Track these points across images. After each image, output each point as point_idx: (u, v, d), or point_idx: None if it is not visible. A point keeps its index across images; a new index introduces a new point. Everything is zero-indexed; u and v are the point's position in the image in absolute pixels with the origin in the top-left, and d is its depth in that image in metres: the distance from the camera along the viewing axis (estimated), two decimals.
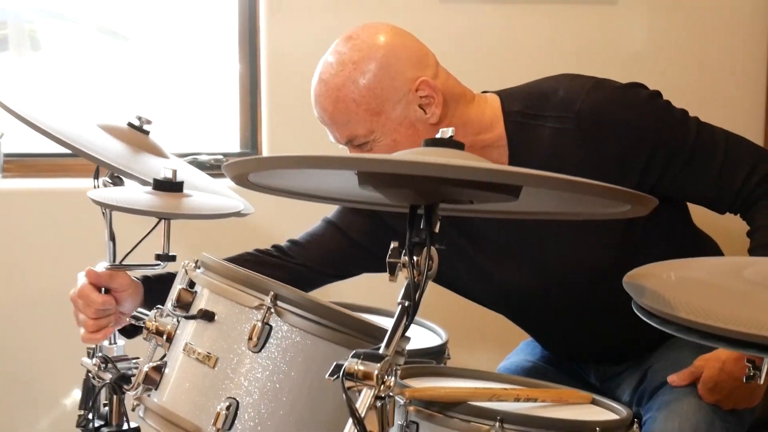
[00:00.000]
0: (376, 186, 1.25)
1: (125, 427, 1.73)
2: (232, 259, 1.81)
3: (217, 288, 1.51)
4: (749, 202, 1.76)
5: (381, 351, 1.21)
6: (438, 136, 1.26)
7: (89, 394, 1.73)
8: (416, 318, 1.90)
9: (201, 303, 1.52)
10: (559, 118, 1.77)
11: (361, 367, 1.20)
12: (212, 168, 2.74)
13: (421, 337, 1.94)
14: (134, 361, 1.71)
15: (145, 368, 1.53)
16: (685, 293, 1.26)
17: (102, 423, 1.71)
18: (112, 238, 1.99)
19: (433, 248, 1.23)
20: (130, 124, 2.05)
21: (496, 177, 1.17)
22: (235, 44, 2.88)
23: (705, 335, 1.17)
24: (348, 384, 1.19)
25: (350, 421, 1.17)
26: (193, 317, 1.50)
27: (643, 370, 1.89)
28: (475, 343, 2.60)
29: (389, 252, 1.25)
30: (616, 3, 2.85)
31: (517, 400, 1.71)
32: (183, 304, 1.54)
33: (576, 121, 1.75)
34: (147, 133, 2.05)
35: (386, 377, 1.19)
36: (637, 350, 1.92)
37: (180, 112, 2.98)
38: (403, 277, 1.25)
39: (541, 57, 2.87)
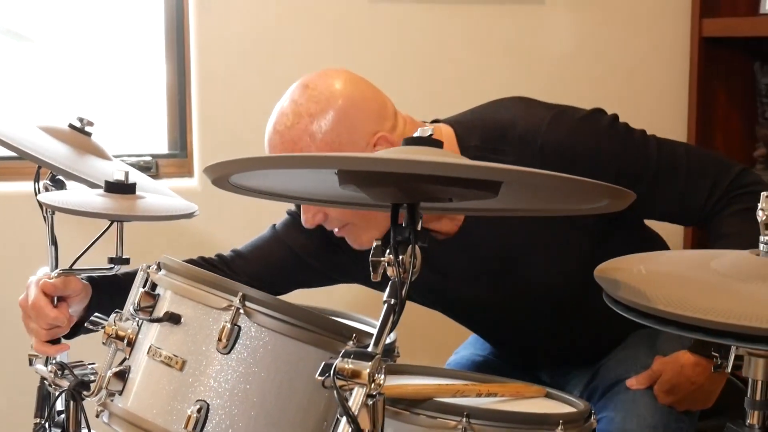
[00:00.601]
0: (359, 185, 1.25)
1: None
2: None
3: (182, 290, 1.49)
4: (712, 215, 1.78)
5: (370, 349, 1.21)
6: (417, 134, 1.27)
7: (45, 401, 1.69)
8: (363, 317, 1.93)
9: (165, 306, 1.50)
10: (519, 155, 1.73)
11: (352, 366, 1.19)
12: (141, 170, 2.70)
13: None
14: (91, 366, 1.67)
15: (108, 373, 1.50)
16: (658, 286, 1.29)
17: (59, 431, 1.67)
18: (54, 242, 1.94)
19: (416, 246, 1.24)
20: (72, 126, 2.01)
21: (477, 173, 1.18)
22: (162, 43, 2.83)
23: (683, 326, 1.21)
24: (339, 383, 1.18)
25: (343, 420, 1.17)
26: (158, 320, 1.48)
27: (595, 367, 1.93)
28: (421, 340, 2.61)
29: (372, 251, 1.25)
30: (543, 3, 2.90)
31: (479, 395, 1.73)
32: (145, 308, 1.51)
33: (539, 156, 1.72)
34: (89, 134, 2.01)
35: (376, 375, 1.19)
36: (591, 354, 1.95)
37: (104, 114, 2.92)
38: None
39: (470, 56, 2.90)
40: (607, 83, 2.94)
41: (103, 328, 1.55)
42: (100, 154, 2.01)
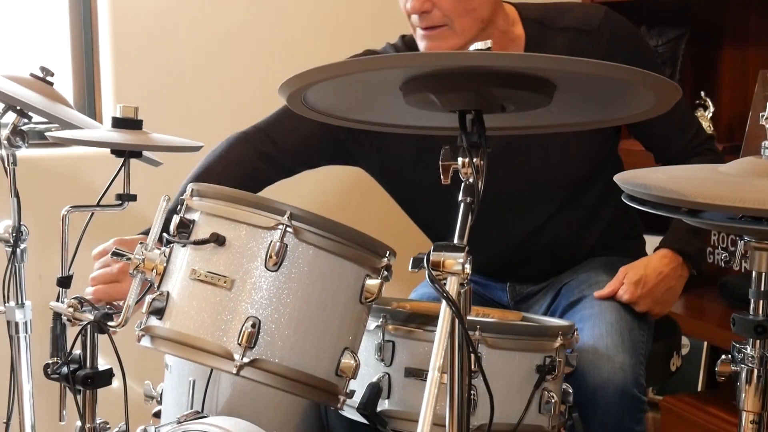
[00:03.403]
0: (429, 90, 1.33)
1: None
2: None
3: (225, 212, 1.53)
4: (682, 157, 2.00)
5: (456, 242, 1.30)
6: (476, 47, 1.36)
7: (59, 340, 1.68)
8: None
9: (204, 229, 1.53)
10: (577, 30, 1.95)
11: (445, 258, 1.28)
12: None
13: None
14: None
15: (149, 298, 1.52)
16: (684, 183, 1.44)
17: (76, 366, 1.66)
18: (16, 195, 1.93)
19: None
20: (34, 75, 1.99)
21: (546, 63, 1.30)
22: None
23: (713, 214, 1.37)
24: (435, 273, 1.27)
25: (443, 306, 1.25)
26: (204, 242, 1.51)
27: (557, 288, 2.08)
28: None
29: (441, 155, 1.34)
30: None
31: (477, 315, 1.85)
32: (182, 232, 1.54)
33: (596, 35, 1.94)
34: (51, 84, 2.00)
35: (466, 266, 1.28)
36: (554, 270, 2.10)
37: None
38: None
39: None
40: None
41: (128, 259, 1.57)
42: (65, 103, 2.00)
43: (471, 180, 1.33)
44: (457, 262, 1.28)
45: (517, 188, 2.01)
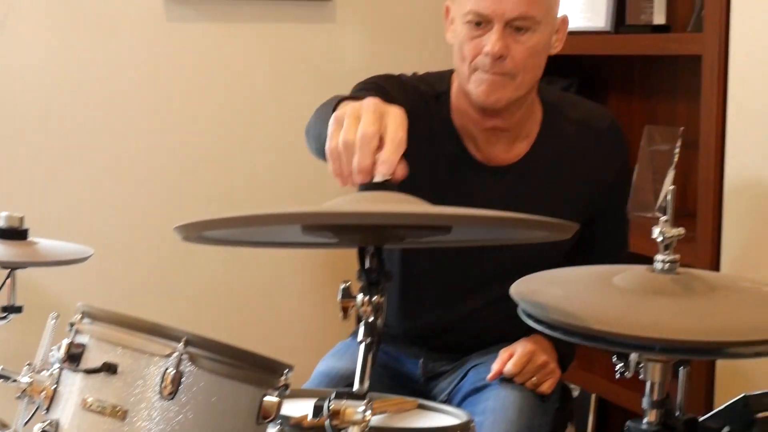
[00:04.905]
0: (325, 229, 1.32)
1: None
2: None
3: (118, 338, 1.48)
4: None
5: (356, 389, 1.28)
6: (377, 179, 1.36)
7: None
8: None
9: (96, 355, 1.48)
10: (587, 126, 2.04)
11: (345, 407, 1.26)
12: None
13: None
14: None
15: (37, 428, 1.47)
16: (579, 304, 1.45)
17: None
18: None
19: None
20: None
21: (436, 221, 1.29)
22: None
23: (592, 338, 1.38)
24: (333, 423, 1.25)
25: None
26: (95, 371, 1.46)
27: (465, 369, 2.08)
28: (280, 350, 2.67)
29: (340, 293, 1.33)
30: (334, 21, 3.01)
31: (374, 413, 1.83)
32: (72, 358, 1.49)
33: (602, 136, 2.05)
34: None
35: (366, 414, 1.26)
36: (482, 346, 2.10)
37: None
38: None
39: (266, 74, 2.97)
40: None
41: (15, 381, 1.52)
42: None
43: (371, 319, 1.31)
44: (357, 411, 1.26)
45: (465, 274, 2.03)
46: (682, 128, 2.79)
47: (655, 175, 2.88)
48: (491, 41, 1.87)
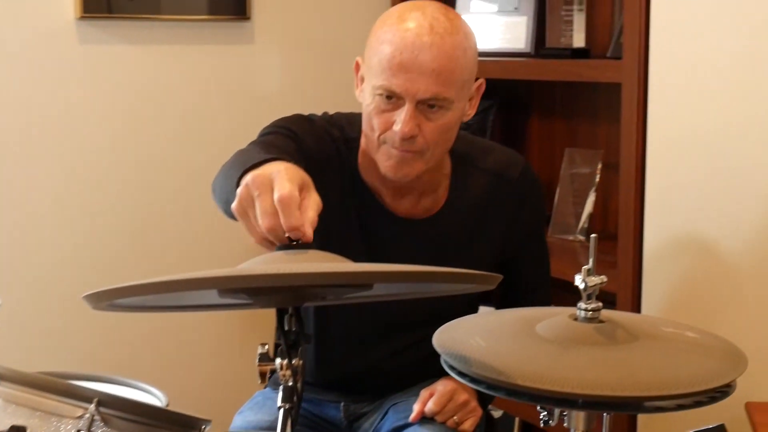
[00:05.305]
0: (242, 292, 1.28)
1: None
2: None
3: (26, 400, 1.43)
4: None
5: None
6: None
7: None
8: (132, 382, 1.92)
9: (5, 419, 1.43)
10: (498, 175, 1.99)
11: None
12: None
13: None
14: None
15: None
16: (502, 358, 1.43)
17: None
18: None
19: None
20: None
21: (355, 279, 1.27)
22: None
23: (538, 398, 1.36)
24: None
25: None
26: None
27: (386, 408, 2.05)
28: (196, 402, 2.61)
29: (258, 357, 1.29)
30: (252, 43, 2.96)
31: None
32: None
33: (514, 185, 1.99)
34: None
35: None
36: (404, 385, 2.07)
37: None
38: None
39: (182, 97, 2.91)
40: None
41: None
42: None
43: (290, 383, 1.28)
44: None
45: (383, 317, 1.99)
46: (602, 151, 2.83)
47: (575, 198, 2.91)
48: (402, 120, 1.80)
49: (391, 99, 1.81)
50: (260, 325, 2.80)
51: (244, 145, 1.85)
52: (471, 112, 1.93)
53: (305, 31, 3.05)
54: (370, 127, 1.85)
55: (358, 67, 1.91)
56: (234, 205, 1.43)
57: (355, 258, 1.39)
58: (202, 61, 2.92)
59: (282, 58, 3.03)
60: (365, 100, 1.86)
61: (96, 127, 2.82)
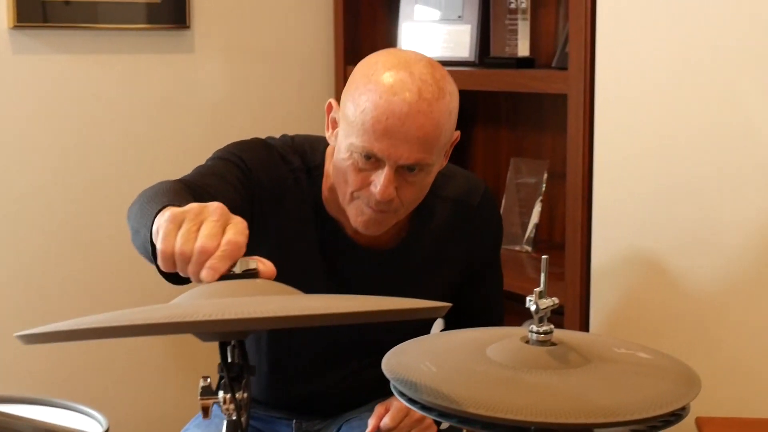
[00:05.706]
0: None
1: None
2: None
3: None
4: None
5: None
6: (239, 270, 1.28)
7: None
8: (72, 404, 1.86)
9: None
10: (459, 203, 1.98)
11: None
12: None
13: (80, 425, 1.87)
14: None
15: None
16: (454, 385, 1.39)
17: None
18: None
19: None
20: None
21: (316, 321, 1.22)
22: None
23: (490, 426, 1.33)
24: None
25: None
26: None
27: (339, 424, 2.03)
28: (137, 425, 2.54)
29: (200, 391, 1.24)
30: (193, 52, 2.90)
31: None
32: None
33: (474, 212, 1.99)
34: None
35: None
36: (359, 402, 2.05)
37: None
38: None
39: (121, 107, 2.84)
40: (258, 129, 3.00)
41: None
42: None
43: (234, 417, 1.23)
44: None
45: (335, 339, 1.95)
46: (548, 161, 2.81)
47: (521, 208, 2.89)
48: (380, 184, 1.74)
49: (370, 159, 1.74)
50: (205, 345, 2.73)
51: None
52: (445, 162, 1.90)
53: (246, 39, 3.00)
54: (344, 180, 1.79)
55: (330, 108, 1.85)
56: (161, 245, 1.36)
57: (317, 289, 1.35)
58: (142, 71, 2.85)
59: (223, 66, 2.97)
60: (340, 152, 1.79)
61: (30, 140, 2.74)
